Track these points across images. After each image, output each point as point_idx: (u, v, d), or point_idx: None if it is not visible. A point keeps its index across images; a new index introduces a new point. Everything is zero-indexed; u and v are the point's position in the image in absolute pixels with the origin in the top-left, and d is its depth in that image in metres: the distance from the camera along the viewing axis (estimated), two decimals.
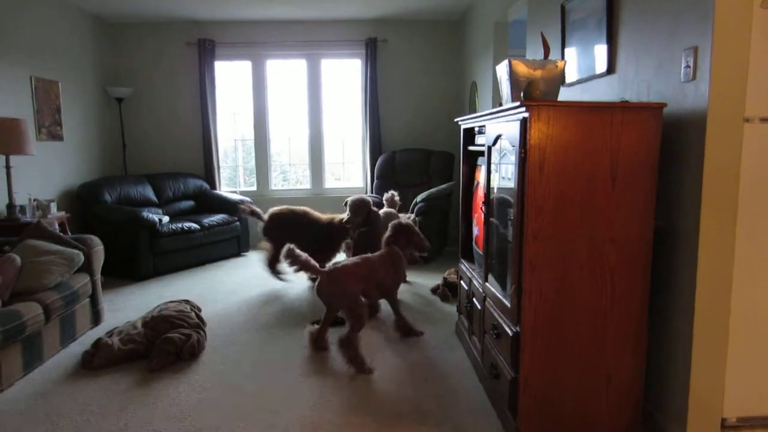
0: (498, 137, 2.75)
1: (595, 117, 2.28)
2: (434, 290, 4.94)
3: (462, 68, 6.92)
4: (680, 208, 2.34)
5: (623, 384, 2.47)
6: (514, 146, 2.42)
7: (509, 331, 2.52)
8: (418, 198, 6.06)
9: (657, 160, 2.32)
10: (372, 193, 7.05)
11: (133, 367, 3.43)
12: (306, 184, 7.63)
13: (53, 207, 5.15)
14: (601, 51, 3.01)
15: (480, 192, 3.30)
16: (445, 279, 4.96)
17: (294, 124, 7.53)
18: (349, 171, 7.78)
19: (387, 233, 3.86)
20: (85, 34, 6.41)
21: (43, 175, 5.50)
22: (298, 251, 3.36)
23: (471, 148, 3.61)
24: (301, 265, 3.36)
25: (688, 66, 2.27)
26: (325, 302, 3.62)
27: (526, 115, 2.27)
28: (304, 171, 7.69)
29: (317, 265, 3.43)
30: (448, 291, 4.79)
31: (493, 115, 2.78)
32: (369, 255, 3.75)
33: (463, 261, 3.76)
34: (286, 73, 7.38)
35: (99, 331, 4.01)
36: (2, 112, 4.86)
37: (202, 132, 7.16)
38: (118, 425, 2.74)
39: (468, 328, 3.50)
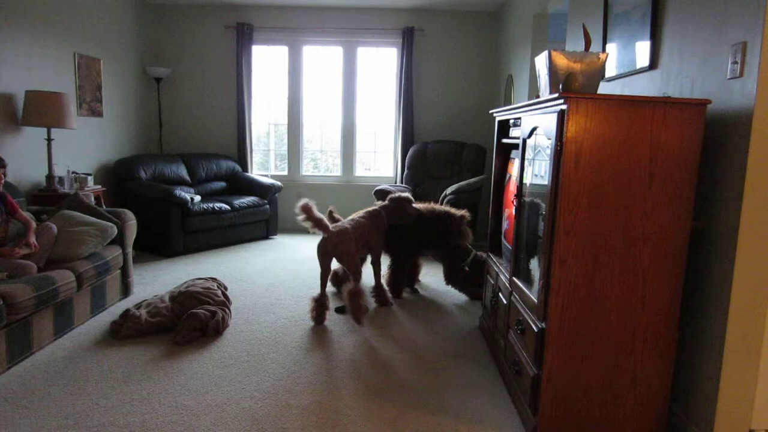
0: (533, 130, 2.70)
1: (636, 111, 2.21)
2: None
3: (498, 61, 6.82)
4: (719, 209, 2.26)
5: (650, 387, 2.41)
6: (550, 139, 2.36)
7: (534, 327, 2.48)
8: (448, 190, 6.00)
9: (698, 159, 2.24)
10: (401, 183, 7.02)
11: (159, 339, 3.48)
12: (336, 172, 7.63)
13: (90, 180, 5.24)
14: (643, 45, 2.92)
15: (512, 186, 3.25)
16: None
17: (327, 112, 7.53)
18: (380, 160, 7.76)
19: (385, 202, 4.34)
20: (128, 14, 6.49)
21: (81, 150, 5.60)
22: (315, 210, 3.63)
23: (505, 140, 3.55)
24: (315, 223, 3.63)
25: (735, 62, 2.18)
26: (322, 260, 3.85)
27: (563, 107, 2.21)
28: (335, 159, 7.69)
29: (329, 225, 3.73)
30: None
31: (530, 107, 2.73)
32: (360, 219, 4.12)
33: (490, 255, 3.72)
34: (322, 59, 7.37)
35: (128, 303, 4.09)
36: (46, 86, 4.95)
37: (237, 115, 7.21)
38: (141, 393, 2.79)
39: (492, 323, 3.46)
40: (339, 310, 4.14)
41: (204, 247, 5.99)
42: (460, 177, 6.55)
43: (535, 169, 2.72)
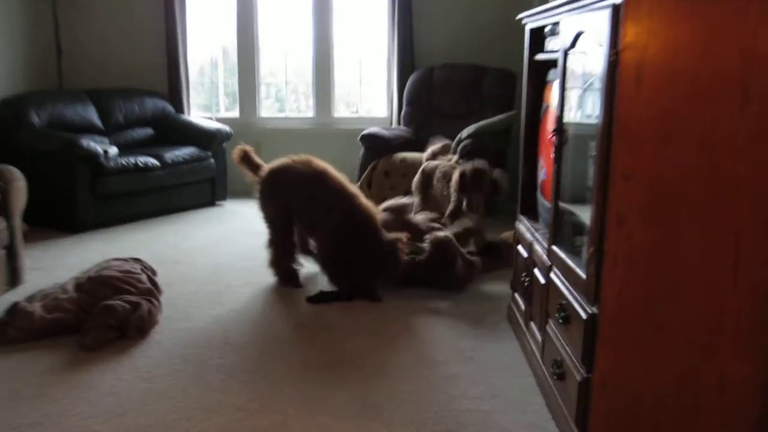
0: (578, 36, 2.66)
1: (721, 5, 2.15)
2: (484, 249, 4.91)
3: None
4: None
5: (743, 392, 2.39)
6: (601, 47, 2.31)
7: (582, 314, 2.46)
8: (464, 133, 5.95)
9: None
10: (400, 125, 6.96)
11: (60, 343, 3.47)
12: (308, 112, 7.59)
13: None
14: None
15: (550, 119, 3.21)
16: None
17: (293, 32, 7.48)
18: (368, 96, 7.71)
19: None
20: None
21: None
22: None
23: (540, 56, 3.49)
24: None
25: None
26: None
27: (618, 1, 2.16)
28: (307, 93, 7.64)
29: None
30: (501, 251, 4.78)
31: (572, 5, 2.67)
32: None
33: (522, 218, 3.70)
34: None
35: (17, 295, 4.05)
36: None
37: (167, 37, 7.15)
38: (32, 417, 2.77)
39: (525, 312, 3.47)
40: (314, 299, 4.12)
41: (124, 218, 5.99)
42: (480, 114, 6.48)
43: (584, 98, 2.68)
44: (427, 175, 5.37)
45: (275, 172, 4.46)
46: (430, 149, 5.59)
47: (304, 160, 4.44)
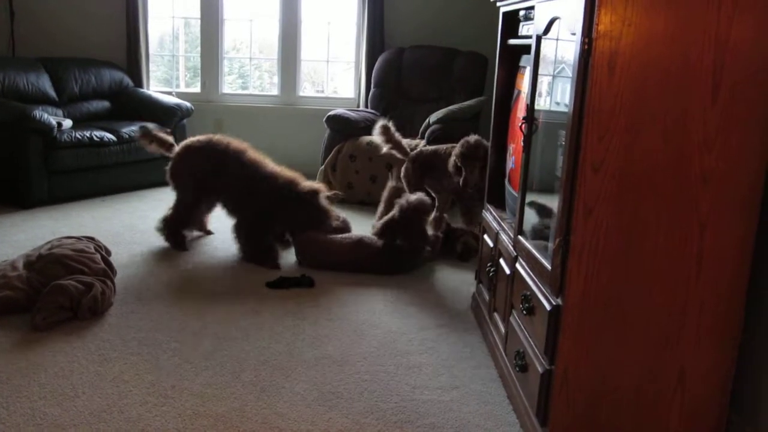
0: (552, 22, 2.67)
1: None
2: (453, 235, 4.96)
3: None
4: None
5: (703, 388, 2.45)
6: (574, 34, 2.33)
7: (547, 304, 2.49)
8: (432, 118, 5.97)
9: None
10: (366, 107, 6.96)
11: (9, 322, 3.44)
12: (273, 91, 7.54)
13: None
14: None
15: (521, 106, 3.23)
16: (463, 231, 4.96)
17: (259, 5, 7.43)
18: (336, 76, 7.68)
19: None
20: None
21: None
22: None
23: (512, 41, 3.51)
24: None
25: None
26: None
27: None
28: (272, 71, 7.59)
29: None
30: (473, 242, 4.77)
31: None
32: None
33: (489, 207, 3.73)
34: None
35: None
36: None
37: (126, 5, 7.06)
38: None
39: (489, 302, 3.49)
40: (274, 285, 4.13)
41: (78, 194, 5.94)
42: (450, 99, 6.52)
43: (555, 86, 2.69)
44: (423, 164, 5.15)
45: (193, 146, 4.84)
46: (382, 137, 5.23)
47: (221, 138, 4.85)
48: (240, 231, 4.67)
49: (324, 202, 4.66)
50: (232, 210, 4.77)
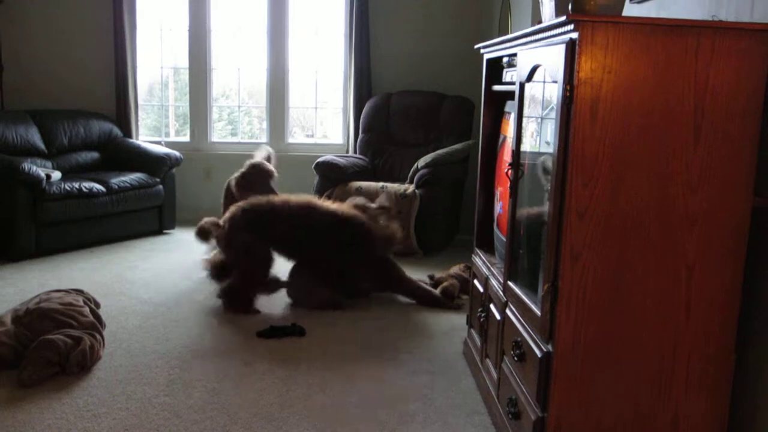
0: (534, 69, 2.71)
1: (675, 42, 2.22)
2: (436, 283, 5.02)
3: None
4: None
5: (697, 431, 2.44)
6: (556, 82, 2.37)
7: (537, 351, 2.49)
8: (421, 162, 6.01)
9: (761, 107, 2.27)
10: (356, 153, 6.99)
11: None
12: (262, 137, 7.58)
13: None
14: None
15: (507, 151, 3.26)
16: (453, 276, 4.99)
17: (248, 54, 7.48)
18: (325, 121, 7.73)
19: None
20: None
21: None
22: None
23: (497, 88, 3.56)
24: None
25: None
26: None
27: (574, 35, 2.22)
28: (261, 116, 7.64)
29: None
30: (458, 283, 4.88)
31: (528, 38, 2.74)
32: None
33: (478, 251, 3.74)
34: None
35: None
36: None
37: (115, 56, 7.08)
38: None
39: (480, 348, 3.49)
40: (265, 335, 4.10)
41: (67, 246, 5.91)
42: (438, 143, 6.56)
43: (539, 128, 2.72)
44: None
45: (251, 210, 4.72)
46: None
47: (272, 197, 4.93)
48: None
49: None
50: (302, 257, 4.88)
